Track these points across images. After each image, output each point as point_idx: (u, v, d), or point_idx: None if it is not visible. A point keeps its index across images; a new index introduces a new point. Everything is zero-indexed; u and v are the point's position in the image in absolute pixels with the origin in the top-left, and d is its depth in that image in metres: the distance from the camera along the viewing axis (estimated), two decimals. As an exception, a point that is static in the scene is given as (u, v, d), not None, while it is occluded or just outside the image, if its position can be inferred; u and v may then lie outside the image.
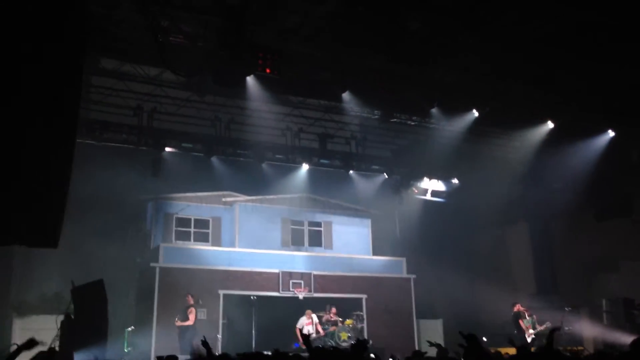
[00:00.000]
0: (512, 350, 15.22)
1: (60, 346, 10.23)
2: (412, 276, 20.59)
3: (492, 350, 10.21)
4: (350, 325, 17.52)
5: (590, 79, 15.21)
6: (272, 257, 19.07)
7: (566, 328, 16.91)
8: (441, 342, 15.81)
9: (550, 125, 17.49)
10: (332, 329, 16.99)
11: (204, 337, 6.25)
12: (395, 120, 17.51)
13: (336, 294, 19.08)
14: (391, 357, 10.12)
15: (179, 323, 15.36)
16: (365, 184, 20.02)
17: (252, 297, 17.44)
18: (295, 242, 20.31)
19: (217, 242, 19.57)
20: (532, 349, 14.98)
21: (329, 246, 20.75)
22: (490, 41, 13.72)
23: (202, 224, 19.56)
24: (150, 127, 16.12)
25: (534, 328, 16.49)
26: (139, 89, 15.78)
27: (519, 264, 22.41)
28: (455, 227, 21.71)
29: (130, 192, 17.92)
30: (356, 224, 21.23)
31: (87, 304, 10.77)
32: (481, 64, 14.70)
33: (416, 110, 16.92)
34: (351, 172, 19.19)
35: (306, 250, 20.21)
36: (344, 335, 16.85)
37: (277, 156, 18.03)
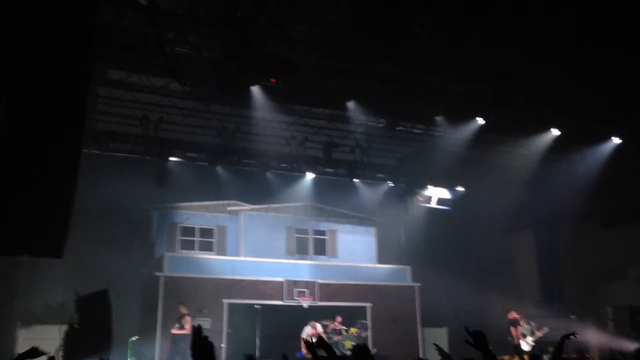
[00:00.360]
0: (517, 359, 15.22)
1: (64, 356, 10.24)
2: (417, 284, 20.54)
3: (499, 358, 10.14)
4: (355, 334, 17.46)
5: (596, 86, 15.18)
6: (276, 266, 19.07)
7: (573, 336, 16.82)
8: (446, 350, 15.73)
9: (555, 132, 17.45)
10: (336, 338, 16.93)
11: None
12: (400, 128, 17.48)
13: (341, 302, 19.05)
14: None
15: (175, 330, 15.10)
16: (370, 193, 20.01)
17: (256, 306, 17.42)
18: (300, 250, 20.32)
19: (222, 251, 19.59)
20: (526, 357, 15.00)
21: (334, 255, 20.73)
22: (496, 48, 13.72)
23: (206, 233, 19.59)
24: (156, 137, 16.18)
25: (532, 335, 16.42)
26: (146, 99, 15.85)
27: (525, 272, 22.32)
28: (460, 235, 21.67)
29: (136, 201, 17.97)
30: (361, 233, 21.22)
31: (92, 314, 10.80)
32: (486, 71, 14.69)
33: (421, 118, 16.90)
34: (356, 180, 19.19)
35: (311, 259, 20.19)
36: (349, 344, 16.79)
37: (282, 165, 18.06)
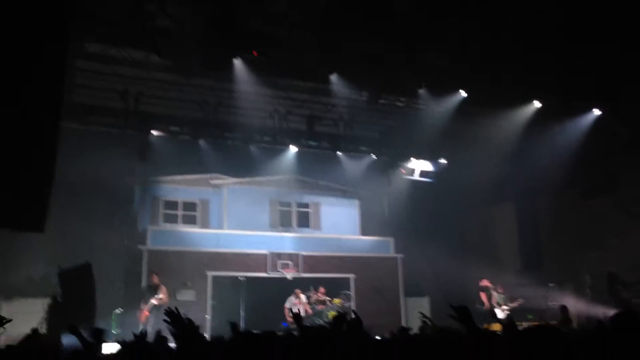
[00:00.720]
0: (497, 327, 15.52)
1: (47, 329, 10.30)
2: (400, 255, 20.81)
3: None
4: (339, 305, 17.71)
5: (578, 58, 15.28)
6: (260, 239, 19.18)
7: (550, 303, 17.18)
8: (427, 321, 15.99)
9: (537, 104, 17.58)
10: (320, 307, 17.17)
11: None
12: (383, 101, 17.47)
13: (324, 274, 19.26)
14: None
15: (156, 301, 14.32)
16: (353, 165, 20.09)
17: (240, 278, 17.56)
18: (284, 223, 20.44)
19: (205, 225, 19.65)
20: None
21: (317, 227, 20.89)
22: (479, 21, 13.73)
23: (190, 206, 19.61)
24: (137, 111, 16.06)
25: (506, 304, 16.64)
26: (125, 72, 15.65)
27: (505, 242, 22.67)
28: (442, 207, 21.87)
29: (118, 175, 17.89)
30: (344, 205, 21.37)
31: (75, 287, 10.85)
32: (469, 44, 14.71)
33: (404, 91, 16.92)
34: (339, 153, 19.26)
35: (294, 231, 20.33)
36: (332, 314, 17.03)
37: (265, 138, 18.05)
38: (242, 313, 16.94)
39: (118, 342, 5.44)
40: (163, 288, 14.44)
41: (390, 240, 21.11)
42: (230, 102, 17.37)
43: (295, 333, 5.47)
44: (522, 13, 13.44)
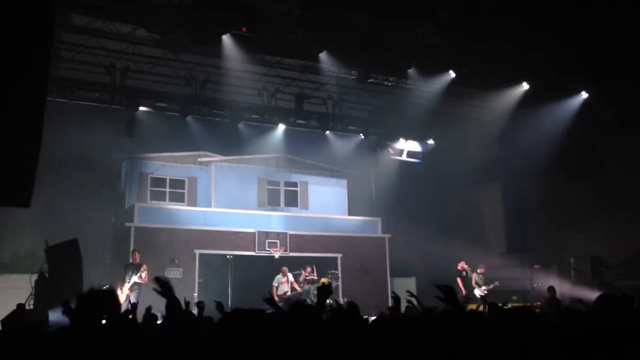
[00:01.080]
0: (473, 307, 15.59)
1: (34, 305, 10.24)
2: (387, 236, 20.90)
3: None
4: (326, 284, 17.76)
5: (566, 41, 15.28)
6: (248, 217, 19.15)
7: (535, 285, 17.34)
8: (413, 300, 16.07)
9: (525, 86, 17.60)
10: (307, 286, 17.22)
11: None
12: (372, 80, 17.42)
13: (312, 253, 19.29)
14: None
15: (139, 280, 13.66)
16: (341, 145, 20.05)
17: (228, 257, 17.54)
18: (272, 202, 20.40)
19: (193, 202, 19.56)
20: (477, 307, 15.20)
21: (305, 206, 20.88)
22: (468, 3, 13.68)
23: (177, 184, 19.50)
24: (124, 86, 15.85)
25: (484, 285, 16.59)
26: (112, 46, 15.42)
27: (492, 224, 22.85)
28: (430, 188, 21.97)
29: (104, 151, 17.74)
30: (332, 184, 21.36)
31: (62, 263, 10.75)
32: (459, 24, 14.64)
33: (393, 70, 16.84)
34: (327, 132, 19.19)
35: (282, 210, 20.32)
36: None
37: (254, 116, 17.92)
38: (229, 291, 16.94)
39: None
40: (144, 266, 14.12)
41: (377, 221, 21.18)
42: (219, 79, 17.24)
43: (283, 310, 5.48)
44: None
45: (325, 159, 20.83)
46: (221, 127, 18.06)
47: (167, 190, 19.34)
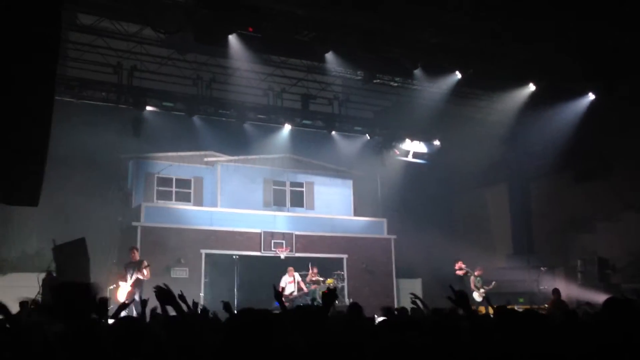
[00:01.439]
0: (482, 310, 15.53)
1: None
2: (393, 237, 20.87)
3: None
4: (331, 285, 17.75)
5: (573, 41, 15.23)
6: (254, 217, 19.16)
7: (541, 287, 17.27)
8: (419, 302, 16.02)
9: (532, 87, 17.56)
10: (313, 287, 17.21)
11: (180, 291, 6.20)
12: (378, 81, 17.43)
13: (317, 253, 19.28)
14: None
15: (141, 276, 13.52)
16: (347, 145, 20.03)
17: (234, 257, 17.56)
18: (277, 202, 20.40)
19: (199, 202, 19.59)
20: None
21: (311, 207, 20.88)
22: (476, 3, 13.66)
23: (183, 183, 19.52)
24: (131, 86, 15.89)
25: (483, 287, 16.23)
26: (118, 45, 15.49)
27: (498, 225, 22.80)
28: (436, 189, 21.93)
29: (111, 150, 17.78)
30: (338, 185, 21.35)
31: (69, 262, 10.77)
32: (466, 24, 14.61)
33: (399, 71, 16.84)
34: (333, 133, 19.18)
35: (288, 211, 20.32)
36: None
37: (259, 116, 17.93)
38: (235, 291, 16.96)
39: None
40: (145, 262, 14.08)
41: (383, 221, 21.15)
42: (225, 79, 17.26)
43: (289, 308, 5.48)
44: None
45: (331, 160, 20.82)
46: (227, 127, 18.10)
47: (174, 190, 19.37)
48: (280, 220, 19.61)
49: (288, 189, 20.73)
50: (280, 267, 17.75)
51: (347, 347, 4.12)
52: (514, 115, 18.61)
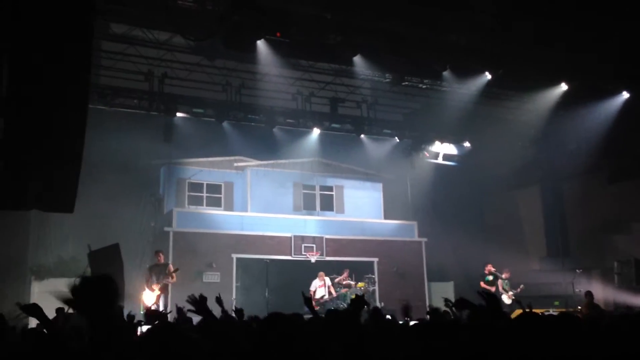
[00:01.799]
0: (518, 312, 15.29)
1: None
2: (424, 239, 20.71)
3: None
4: (362, 288, 17.71)
5: (606, 39, 14.95)
6: (284, 222, 19.24)
7: (577, 290, 16.93)
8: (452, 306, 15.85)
9: (564, 87, 17.26)
10: (344, 291, 17.20)
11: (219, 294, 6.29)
12: (406, 83, 17.34)
13: (348, 257, 19.25)
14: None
15: (168, 281, 13.74)
16: (376, 148, 19.97)
17: (265, 261, 17.65)
18: (307, 206, 20.44)
19: (229, 207, 19.76)
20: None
21: (341, 210, 20.87)
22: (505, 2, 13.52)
23: (214, 188, 19.72)
24: (161, 92, 16.12)
25: (510, 290, 15.94)
26: (150, 53, 15.73)
27: (531, 227, 22.45)
28: (467, 191, 21.72)
29: (143, 157, 18.08)
30: (367, 188, 21.31)
31: (103, 268, 10.98)
32: (495, 24, 14.47)
33: (428, 73, 16.73)
34: (362, 136, 19.11)
35: (318, 215, 20.35)
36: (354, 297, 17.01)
37: (288, 121, 18.00)
38: (266, 295, 17.05)
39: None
40: (171, 267, 14.18)
41: (414, 224, 21.02)
42: (254, 84, 17.37)
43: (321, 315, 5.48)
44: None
45: (361, 163, 20.79)
46: (256, 132, 18.21)
47: (204, 195, 19.58)
48: (311, 224, 19.64)
49: (318, 192, 20.76)
50: (310, 271, 17.78)
51: (381, 351, 4.12)
52: (545, 115, 18.32)
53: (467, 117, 18.46)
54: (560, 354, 3.50)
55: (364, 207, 20.98)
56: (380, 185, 21.48)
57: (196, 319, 6.52)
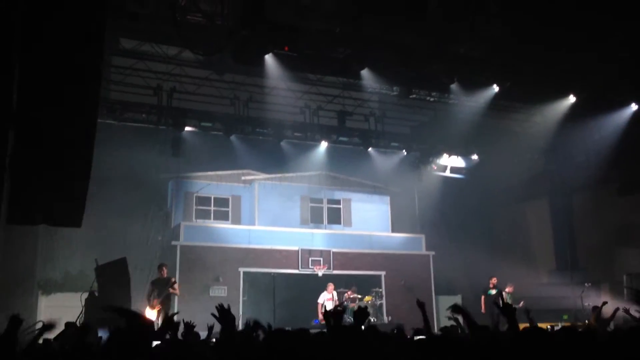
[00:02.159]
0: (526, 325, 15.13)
1: (84, 322, 10.44)
2: (431, 253, 20.62)
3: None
4: (369, 302, 17.62)
5: (614, 51, 14.93)
6: (291, 235, 19.20)
7: (586, 303, 16.76)
8: (459, 318, 15.75)
9: (572, 99, 17.22)
10: (352, 305, 17.11)
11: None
12: (414, 96, 17.35)
13: (355, 271, 19.19)
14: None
15: (172, 291, 13.57)
16: (384, 161, 19.95)
17: (272, 275, 17.61)
18: (315, 219, 20.41)
19: (236, 221, 19.75)
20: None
21: (348, 223, 20.82)
22: (513, 11, 13.54)
23: (221, 202, 19.74)
24: (170, 107, 16.20)
25: (514, 305, 15.91)
26: (159, 68, 15.85)
27: (539, 240, 22.31)
28: (474, 204, 21.64)
29: (151, 171, 18.11)
30: (375, 201, 21.26)
31: (111, 282, 10.97)
32: (502, 37, 14.49)
33: (435, 86, 16.74)
34: (370, 149, 19.11)
35: (325, 228, 20.30)
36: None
37: (296, 134, 18.04)
38: (273, 309, 16.98)
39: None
40: (174, 279, 14.07)
41: (421, 237, 20.94)
42: (261, 98, 17.43)
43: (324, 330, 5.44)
44: (559, 5, 13.17)
45: (368, 176, 20.76)
46: (264, 145, 18.25)
47: (212, 208, 19.59)
48: (318, 238, 19.60)
49: (325, 206, 20.73)
50: (318, 284, 17.71)
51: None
52: (554, 127, 18.27)
53: (474, 129, 18.44)
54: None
55: (371, 221, 20.92)
56: (387, 199, 21.44)
57: (203, 334, 6.52)
